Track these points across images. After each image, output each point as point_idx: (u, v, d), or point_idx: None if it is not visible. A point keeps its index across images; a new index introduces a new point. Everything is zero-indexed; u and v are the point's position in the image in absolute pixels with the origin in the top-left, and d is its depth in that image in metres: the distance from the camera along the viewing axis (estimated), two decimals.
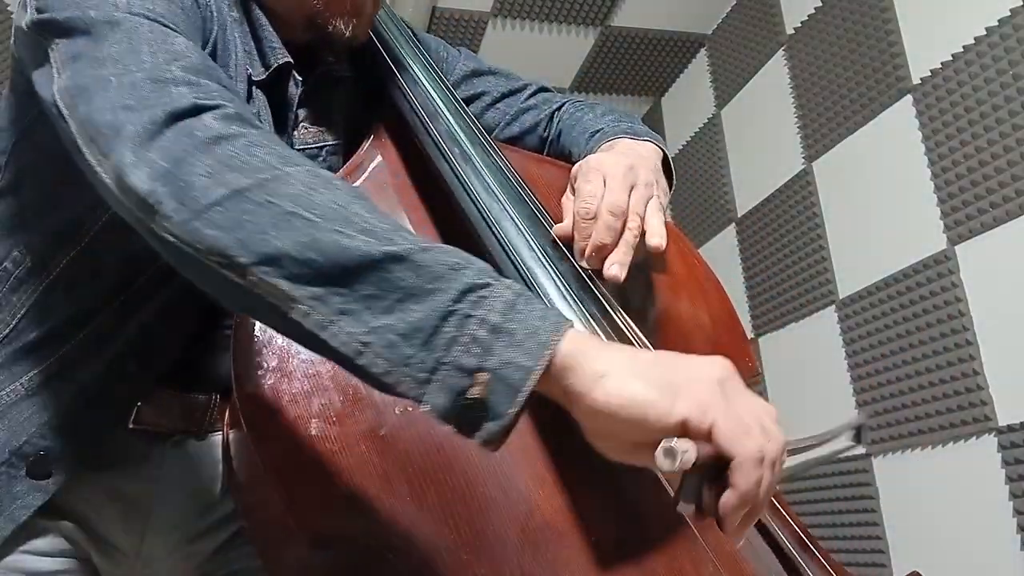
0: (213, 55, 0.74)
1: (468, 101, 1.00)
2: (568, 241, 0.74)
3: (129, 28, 0.60)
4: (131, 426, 0.76)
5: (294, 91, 0.81)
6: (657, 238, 0.74)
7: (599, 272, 0.73)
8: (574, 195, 0.77)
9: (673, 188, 0.92)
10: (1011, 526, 1.49)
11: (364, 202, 0.54)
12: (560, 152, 0.98)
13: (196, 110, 0.56)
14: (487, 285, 0.50)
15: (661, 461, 0.46)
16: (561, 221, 0.77)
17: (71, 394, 0.73)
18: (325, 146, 0.87)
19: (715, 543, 0.65)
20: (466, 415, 0.49)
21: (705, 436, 0.48)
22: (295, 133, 0.84)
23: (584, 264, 0.72)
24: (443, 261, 0.51)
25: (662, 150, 0.88)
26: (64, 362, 0.73)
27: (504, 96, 1.02)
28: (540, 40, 2.56)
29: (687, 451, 0.46)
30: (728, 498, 0.49)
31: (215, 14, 0.75)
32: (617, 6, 2.47)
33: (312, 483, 0.62)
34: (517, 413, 0.49)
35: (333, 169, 0.83)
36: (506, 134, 1.01)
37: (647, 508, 0.67)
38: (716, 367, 0.52)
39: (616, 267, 0.72)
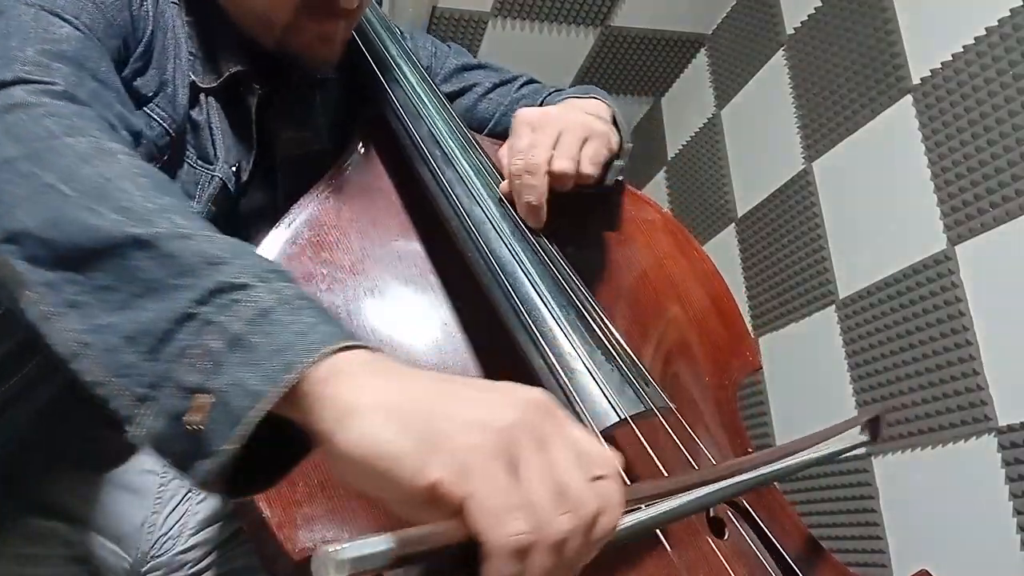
0: (148, 56, 0.72)
1: (460, 93, 1.00)
2: (511, 199, 0.75)
3: (12, 15, 0.59)
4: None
5: (251, 100, 0.79)
6: (562, 161, 0.73)
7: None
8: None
9: (629, 146, 0.89)
10: (1011, 526, 1.49)
11: (144, 179, 0.47)
12: None
13: (14, 82, 0.52)
14: (245, 287, 0.40)
15: (314, 567, 0.32)
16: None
17: (33, 414, 0.71)
18: (310, 152, 0.85)
19: (691, 561, 0.62)
20: (177, 447, 0.39)
21: (456, 509, 0.36)
22: (277, 142, 0.83)
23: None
24: (199, 252, 0.42)
25: (608, 104, 0.88)
26: (25, 382, 0.71)
27: (496, 86, 1.02)
28: (540, 40, 2.56)
29: (342, 561, 0.31)
30: None
31: (151, 14, 0.73)
32: (617, 6, 2.47)
33: (292, 496, 0.61)
34: (237, 451, 0.37)
35: (320, 175, 0.81)
36: (504, 124, 0.98)
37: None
38: (509, 410, 0.39)
39: (533, 193, 0.72)
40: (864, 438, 0.67)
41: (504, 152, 0.78)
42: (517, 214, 0.73)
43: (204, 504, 0.82)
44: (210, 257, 0.42)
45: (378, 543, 0.32)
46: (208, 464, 0.38)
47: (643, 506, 0.47)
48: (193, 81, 0.76)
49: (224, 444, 0.37)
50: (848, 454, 0.67)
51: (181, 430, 0.38)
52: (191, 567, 0.82)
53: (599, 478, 0.40)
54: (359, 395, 0.38)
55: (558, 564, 0.37)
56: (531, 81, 1.05)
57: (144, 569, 0.80)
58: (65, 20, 0.62)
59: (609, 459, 0.41)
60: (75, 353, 0.41)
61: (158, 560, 0.80)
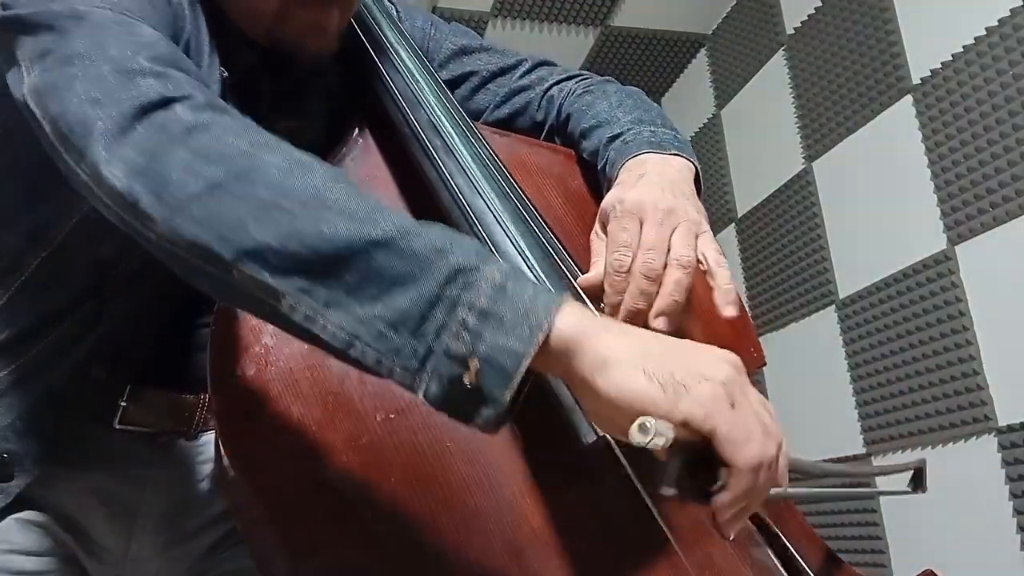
0: (187, 53, 0.71)
1: (457, 82, 0.94)
2: (596, 295, 0.68)
3: (95, 21, 0.59)
4: (117, 426, 0.76)
5: (262, 93, 0.79)
6: (729, 305, 0.68)
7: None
8: (606, 236, 0.71)
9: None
10: (1011, 526, 1.49)
11: (343, 184, 0.53)
12: (568, 140, 0.90)
13: (164, 102, 0.54)
14: (474, 268, 0.49)
15: (634, 434, 0.46)
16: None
17: (38, 396, 0.72)
18: (303, 143, 0.83)
19: (700, 561, 0.63)
20: (461, 402, 0.49)
21: (703, 437, 0.48)
22: (270, 132, 0.81)
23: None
24: (428, 243, 0.49)
25: (693, 164, 0.79)
26: (33, 365, 0.72)
27: (495, 75, 0.95)
28: (540, 40, 2.56)
29: (663, 434, 0.46)
30: (722, 498, 0.49)
31: (187, 11, 0.73)
32: (617, 6, 2.47)
33: (292, 494, 0.61)
34: (513, 398, 0.48)
35: None
36: (495, 116, 0.94)
37: (632, 526, 0.64)
38: (724, 367, 0.51)
39: (662, 320, 0.66)
40: (907, 488, 0.72)
41: (600, 245, 0.72)
42: (601, 310, 0.67)
43: (193, 507, 0.82)
44: (436, 247, 0.49)
45: (668, 425, 0.46)
46: (491, 412, 0.48)
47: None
48: (224, 76, 0.75)
49: (503, 395, 0.47)
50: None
51: (460, 389, 0.48)
52: (184, 571, 0.82)
53: (771, 415, 0.52)
54: (609, 349, 0.49)
55: (768, 482, 0.50)
56: (539, 65, 0.96)
57: (134, 573, 0.79)
58: (140, 21, 0.62)
59: (769, 404, 0.53)
60: (349, 344, 0.49)
61: (148, 564, 0.80)
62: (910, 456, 1.73)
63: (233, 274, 0.50)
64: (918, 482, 0.70)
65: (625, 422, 0.48)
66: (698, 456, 0.48)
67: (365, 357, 0.49)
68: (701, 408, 0.48)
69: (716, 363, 0.51)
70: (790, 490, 0.57)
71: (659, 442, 0.46)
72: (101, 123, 0.53)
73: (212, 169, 0.51)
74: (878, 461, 1.81)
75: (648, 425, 0.46)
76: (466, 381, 0.47)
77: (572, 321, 0.49)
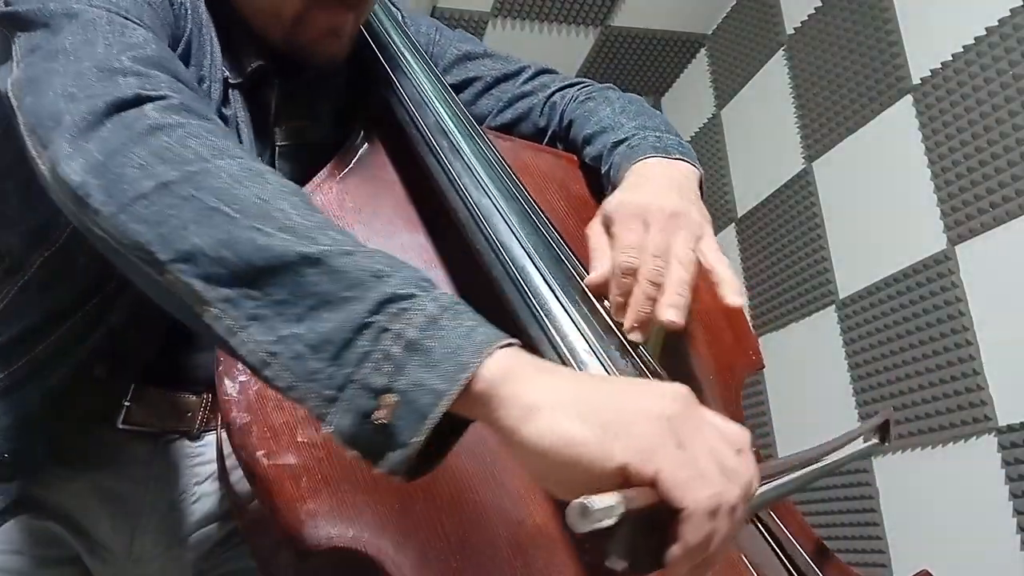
0: (187, 54, 0.72)
1: (461, 87, 0.95)
2: (602, 293, 0.68)
3: (86, 20, 0.59)
4: (120, 426, 0.76)
5: (271, 95, 0.79)
6: (734, 294, 0.67)
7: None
8: (610, 238, 0.71)
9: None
10: (1011, 526, 1.49)
11: (294, 197, 0.51)
12: (571, 146, 0.91)
13: (138, 100, 0.53)
14: (410, 296, 0.45)
15: (573, 519, 0.39)
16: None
17: (41, 396, 0.72)
18: (308, 142, 0.84)
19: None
20: (369, 441, 0.44)
21: (648, 483, 0.42)
22: (277, 130, 0.81)
23: (622, 322, 0.66)
24: (364, 266, 0.46)
25: (697, 169, 0.79)
26: (35, 364, 0.72)
27: (499, 81, 0.96)
28: (540, 40, 2.56)
29: (606, 508, 0.38)
30: (674, 552, 0.42)
31: (190, 12, 0.73)
32: (617, 6, 2.47)
33: (297, 491, 0.60)
34: (424, 443, 0.43)
35: (320, 165, 0.79)
36: (498, 121, 0.95)
37: None
38: (667, 401, 0.46)
39: (672, 312, 0.64)
40: (874, 441, 0.70)
41: (602, 242, 0.71)
42: (609, 315, 0.66)
43: (196, 507, 0.82)
44: (374, 271, 0.46)
45: (613, 498, 0.39)
46: (399, 455, 0.43)
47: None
48: (226, 76, 0.76)
49: (414, 437, 0.43)
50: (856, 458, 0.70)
51: (370, 426, 0.44)
52: (185, 570, 0.82)
53: (739, 452, 0.47)
54: (538, 394, 0.44)
55: (730, 532, 0.44)
56: (542, 72, 0.97)
57: (136, 572, 0.80)
58: (134, 23, 0.62)
59: (743, 436, 0.48)
60: (264, 362, 0.46)
61: (150, 564, 0.80)
62: (910, 456, 1.74)
63: (165, 276, 0.48)
64: (884, 435, 0.71)
65: (564, 476, 0.43)
66: (651, 519, 0.42)
67: (279, 379, 0.46)
68: (640, 450, 0.42)
69: (659, 399, 0.46)
70: (778, 483, 0.56)
71: (606, 523, 0.38)
72: (69, 117, 0.52)
73: (164, 169, 0.50)
74: (878, 461, 1.82)
75: (589, 505, 0.38)
76: (379, 418, 0.43)
77: (503, 364, 0.44)
